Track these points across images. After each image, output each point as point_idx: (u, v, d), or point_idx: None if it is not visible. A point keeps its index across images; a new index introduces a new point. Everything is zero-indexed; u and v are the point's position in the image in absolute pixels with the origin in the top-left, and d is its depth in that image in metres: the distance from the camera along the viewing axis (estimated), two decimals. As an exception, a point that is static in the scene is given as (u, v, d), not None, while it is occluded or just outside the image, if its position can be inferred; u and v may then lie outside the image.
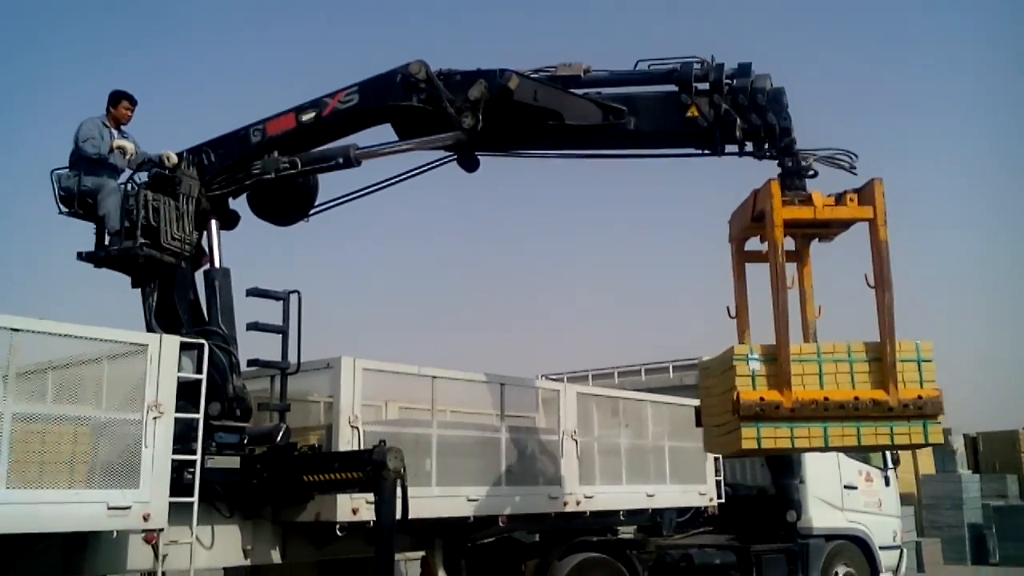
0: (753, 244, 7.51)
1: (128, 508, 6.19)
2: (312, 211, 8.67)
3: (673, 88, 7.69)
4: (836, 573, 11.84)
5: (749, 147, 7.54)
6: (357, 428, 7.64)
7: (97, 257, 7.78)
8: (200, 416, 6.80)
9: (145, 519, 6.27)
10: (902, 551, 13.02)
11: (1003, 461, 23.39)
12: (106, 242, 7.82)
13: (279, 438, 7.39)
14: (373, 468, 6.65)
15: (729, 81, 7.46)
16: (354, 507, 7.48)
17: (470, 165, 8.31)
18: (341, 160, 7.87)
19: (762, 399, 6.49)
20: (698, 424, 7.78)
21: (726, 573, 11.43)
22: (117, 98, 8.12)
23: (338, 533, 7.55)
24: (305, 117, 8.01)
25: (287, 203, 8.49)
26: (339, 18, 42.79)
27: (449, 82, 7.81)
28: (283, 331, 7.75)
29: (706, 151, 7.76)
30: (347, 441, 7.57)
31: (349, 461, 7.01)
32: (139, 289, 7.78)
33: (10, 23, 31.99)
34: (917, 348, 6.70)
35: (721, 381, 7.03)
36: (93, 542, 6.58)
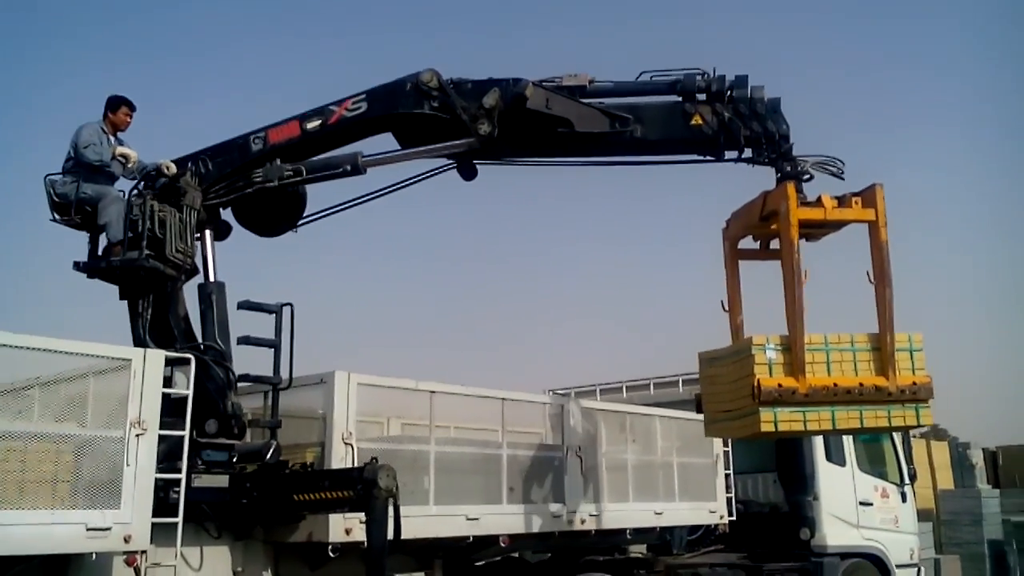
0: (746, 243, 8.18)
1: (108, 529, 5.95)
2: (301, 222, 8.46)
3: (674, 98, 8.05)
4: (851, 592, 11.53)
5: (747, 153, 8.00)
6: (351, 445, 7.40)
7: (97, 268, 7.52)
8: (186, 433, 6.55)
9: (126, 540, 6.02)
10: (919, 569, 12.66)
11: (1024, 475, 22.97)
12: (99, 252, 7.61)
13: (269, 456, 7.13)
14: (364, 486, 6.41)
15: (729, 91, 7.90)
16: (347, 527, 7.23)
17: (468, 173, 8.36)
18: (348, 168, 7.83)
19: (780, 385, 7.08)
20: (698, 410, 8.24)
21: (737, 593, 11.17)
22: (117, 103, 7.90)
23: (331, 554, 7.30)
24: (310, 125, 7.90)
25: (275, 213, 8.27)
26: (324, 31, 42.88)
27: (460, 90, 7.92)
28: (275, 345, 7.50)
29: (708, 157, 8.14)
30: (340, 458, 7.33)
31: (339, 479, 6.77)
32: (126, 302, 7.54)
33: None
34: (909, 339, 7.41)
35: (733, 369, 7.54)
36: (74, 564, 6.32)
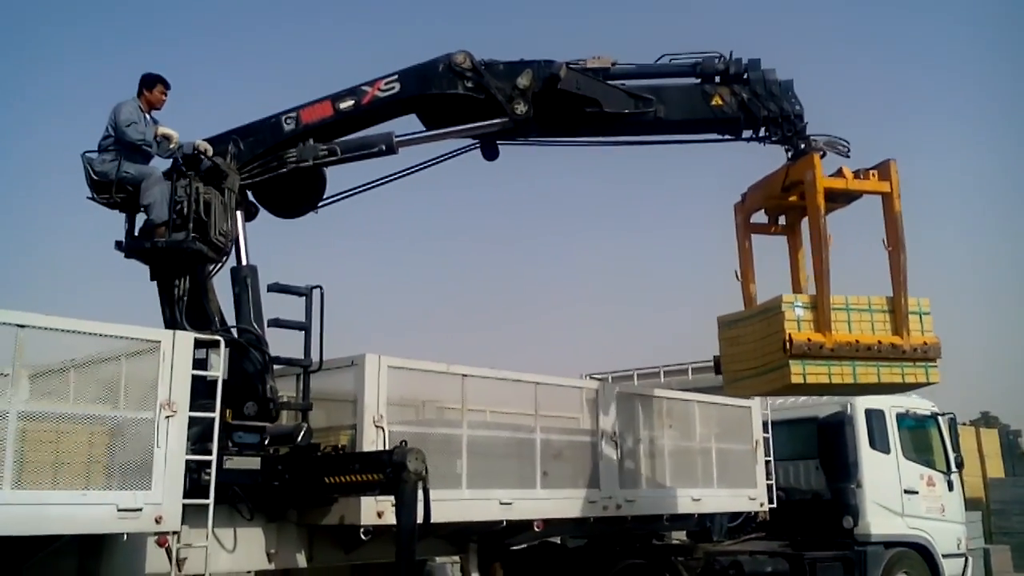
0: (757, 217, 8.82)
1: (140, 510, 5.97)
2: (321, 203, 8.42)
3: (692, 80, 8.49)
4: (896, 582, 11.31)
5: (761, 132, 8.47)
6: (382, 428, 7.36)
7: (141, 248, 7.43)
8: (216, 415, 6.56)
9: (157, 521, 6.05)
10: (967, 559, 12.38)
11: (1076, 464, 22.42)
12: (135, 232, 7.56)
13: (300, 438, 7.12)
14: (393, 470, 6.34)
15: (745, 73, 8.37)
16: (379, 510, 7.20)
17: (491, 153, 8.54)
18: (384, 147, 7.97)
19: (809, 340, 7.59)
20: (717, 372, 8.71)
21: (778, 581, 11.00)
22: (153, 81, 7.74)
23: (363, 537, 7.29)
24: (343, 105, 7.96)
25: (297, 194, 8.22)
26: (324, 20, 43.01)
27: (493, 71, 8.12)
28: (306, 328, 7.49)
29: (727, 136, 8.64)
30: (371, 441, 7.29)
31: (369, 462, 6.72)
32: (156, 283, 7.52)
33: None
34: (919, 304, 8.01)
35: (760, 327, 8.06)
36: (108, 545, 6.39)
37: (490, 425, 8.68)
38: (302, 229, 8.58)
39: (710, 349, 9.03)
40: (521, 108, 8.07)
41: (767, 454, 11.25)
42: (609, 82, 8.28)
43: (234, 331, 7.35)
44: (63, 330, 5.91)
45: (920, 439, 12.16)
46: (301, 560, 7.57)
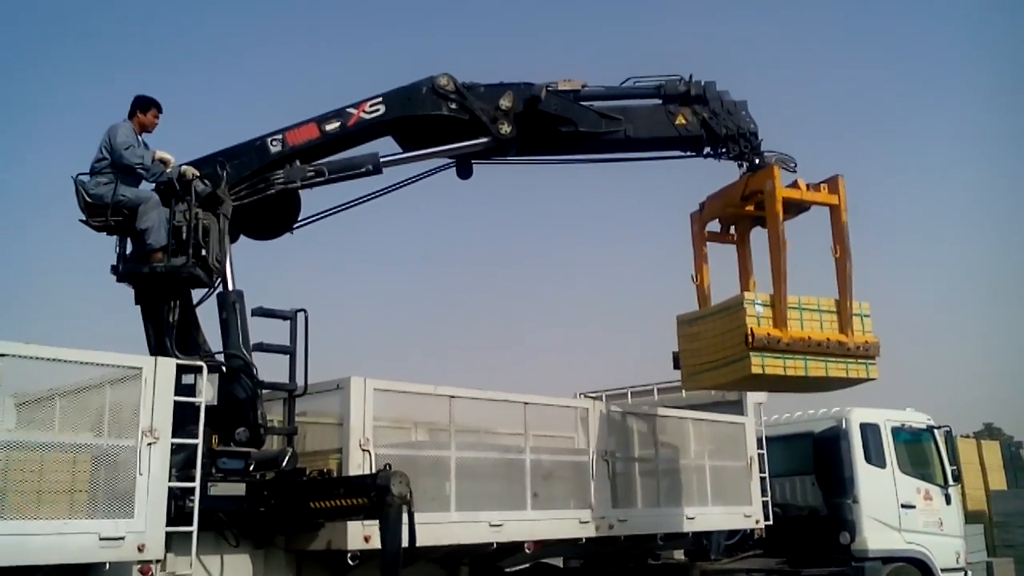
0: (712, 226, 9.61)
1: (122, 539, 5.96)
2: (297, 224, 8.43)
3: (655, 101, 9.07)
4: (894, 597, 11.20)
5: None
6: (368, 451, 7.33)
7: (138, 273, 7.36)
8: (199, 442, 6.53)
9: (140, 550, 6.02)
10: (967, 573, 12.25)
11: (1079, 475, 22.27)
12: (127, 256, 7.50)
13: (285, 463, 7.07)
14: (377, 493, 6.30)
15: (704, 94, 8.99)
16: (366, 535, 7.14)
17: (466, 173, 8.82)
18: (370, 168, 8.16)
19: (768, 334, 8.29)
20: (676, 367, 9.27)
21: (775, 599, 10.92)
22: (147, 104, 7.71)
23: (350, 562, 7.23)
24: (329, 127, 8.10)
25: (272, 216, 8.22)
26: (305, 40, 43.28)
27: (474, 93, 8.41)
28: (290, 352, 7.47)
29: (689, 153, 9.25)
30: (358, 465, 7.26)
31: (353, 486, 6.68)
32: (140, 308, 7.48)
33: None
34: (860, 306, 8.82)
35: (721, 323, 8.70)
36: (91, 574, 6.33)
37: (479, 446, 8.63)
38: (283, 250, 8.58)
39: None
40: (506, 128, 8.38)
41: (762, 470, 11.19)
42: (581, 103, 8.71)
43: (220, 356, 7.32)
44: (45, 359, 5.89)
45: (916, 453, 12.06)
46: (289, 586, 7.52)
